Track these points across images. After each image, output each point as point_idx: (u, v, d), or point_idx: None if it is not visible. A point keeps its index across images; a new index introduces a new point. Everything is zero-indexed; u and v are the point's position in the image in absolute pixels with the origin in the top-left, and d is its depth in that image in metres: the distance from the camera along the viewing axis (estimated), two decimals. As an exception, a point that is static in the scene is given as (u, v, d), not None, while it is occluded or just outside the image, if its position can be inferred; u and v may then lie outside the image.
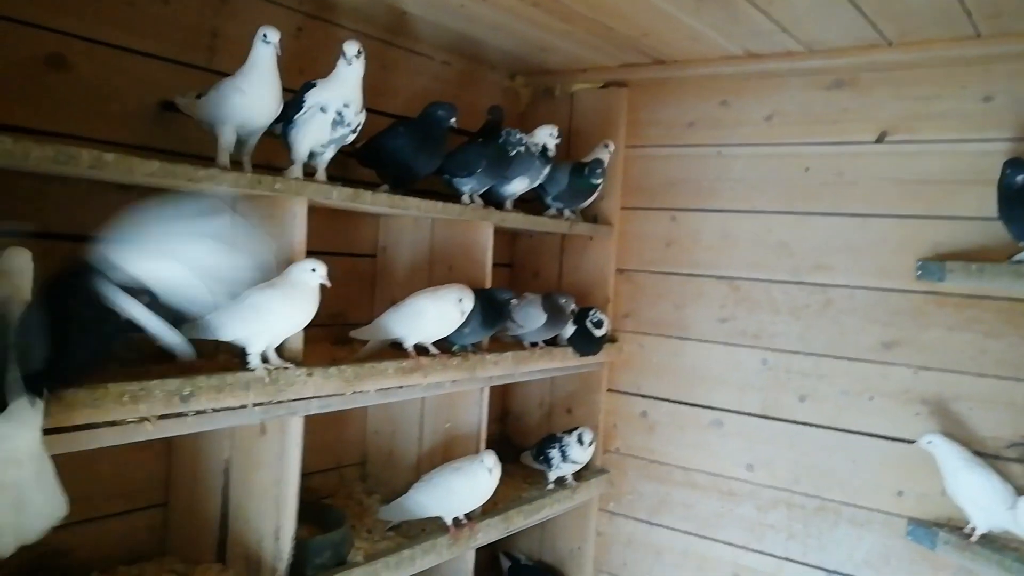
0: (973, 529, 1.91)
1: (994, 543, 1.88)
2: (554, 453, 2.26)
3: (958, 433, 2.01)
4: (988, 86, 2.01)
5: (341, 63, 1.65)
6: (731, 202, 2.37)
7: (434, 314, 1.81)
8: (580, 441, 2.23)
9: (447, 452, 2.08)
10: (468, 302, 1.81)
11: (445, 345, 1.94)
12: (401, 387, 1.81)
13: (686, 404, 2.44)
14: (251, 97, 1.51)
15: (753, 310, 2.33)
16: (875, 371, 2.15)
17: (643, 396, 2.52)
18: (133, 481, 1.72)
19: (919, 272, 2.03)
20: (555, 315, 2.16)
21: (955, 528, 1.96)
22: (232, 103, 1.51)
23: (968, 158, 2.03)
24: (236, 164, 1.57)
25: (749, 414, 2.33)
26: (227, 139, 1.54)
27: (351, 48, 1.63)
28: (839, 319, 2.21)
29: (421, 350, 1.86)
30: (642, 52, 2.31)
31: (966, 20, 1.84)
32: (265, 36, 1.51)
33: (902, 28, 1.94)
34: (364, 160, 1.95)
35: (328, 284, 1.53)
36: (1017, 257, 1.86)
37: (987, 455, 1.99)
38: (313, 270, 1.51)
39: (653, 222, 2.50)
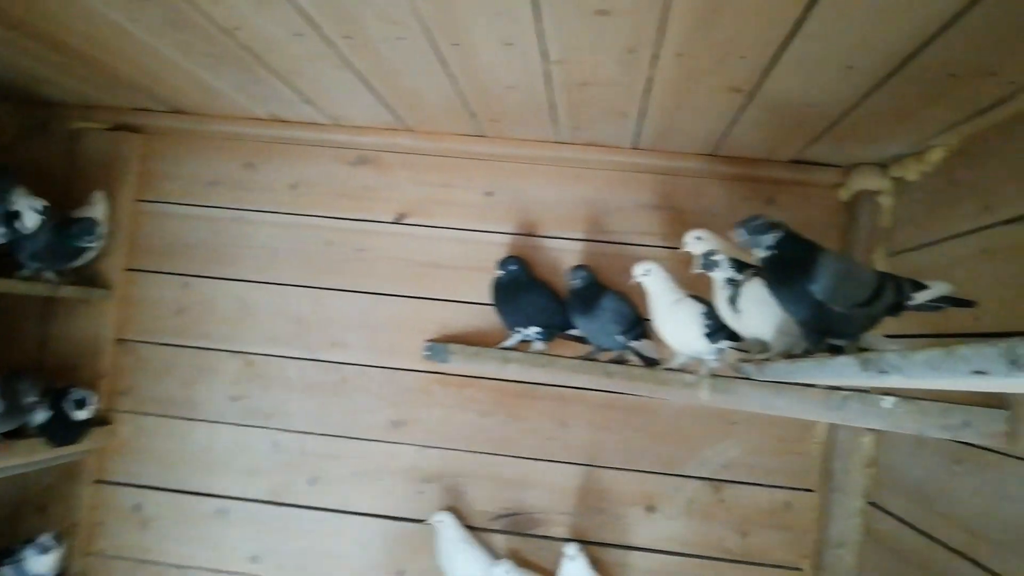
0: (457, 606, 2.08)
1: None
2: (8, 571, 1.93)
3: (457, 508, 2.20)
4: (490, 181, 2.28)
5: None
6: (250, 271, 2.32)
7: None
8: (41, 551, 1.94)
9: None
10: None
11: None
12: None
13: (188, 493, 2.29)
14: None
15: (267, 388, 2.30)
16: (384, 450, 2.26)
17: (139, 486, 2.30)
18: None
19: (427, 353, 2.18)
20: (14, 401, 1.87)
21: (441, 609, 2.13)
22: None
23: (473, 246, 2.26)
24: None
25: (256, 500, 2.27)
26: None
27: None
28: (353, 398, 2.28)
29: None
30: (157, 99, 2.17)
31: (472, 120, 2.07)
32: None
33: (419, 117, 2.11)
34: None
35: None
36: (504, 343, 2.12)
37: (478, 528, 2.21)
38: None
39: (163, 287, 2.33)
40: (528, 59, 1.57)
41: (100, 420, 2.23)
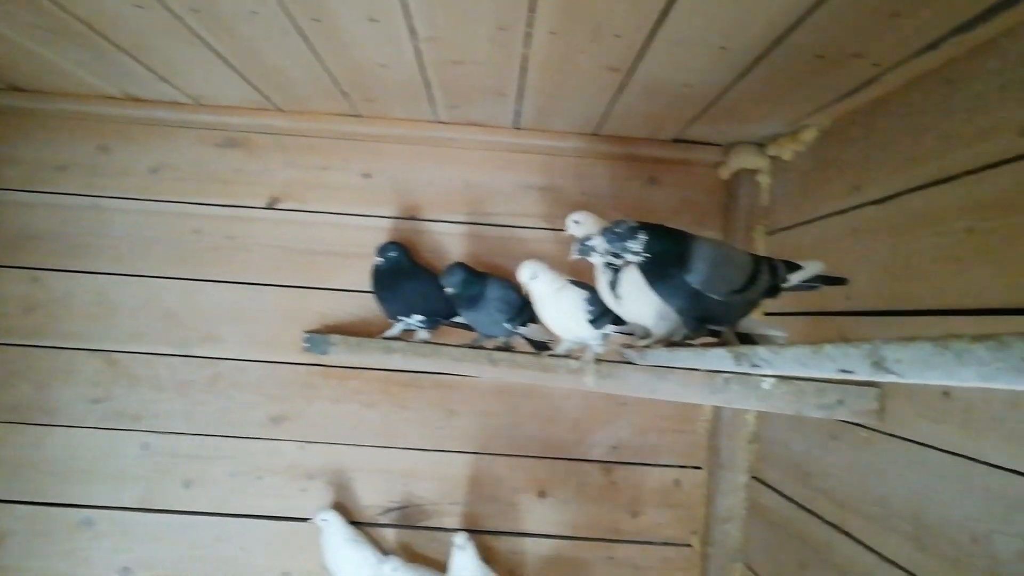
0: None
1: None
2: None
3: (344, 504, 2.12)
4: (368, 163, 2.18)
5: None
6: (110, 263, 2.14)
7: None
8: None
9: None
10: None
11: None
12: None
13: (48, 504, 2.11)
14: None
15: (134, 387, 2.14)
16: (264, 448, 2.15)
17: (-10, 501, 2.12)
18: None
19: (306, 344, 2.08)
20: None
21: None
22: None
23: (352, 231, 2.16)
24: None
25: (127, 508, 2.12)
26: None
27: None
28: (229, 394, 2.15)
29: None
30: (-11, 74, 1.96)
31: (345, 100, 1.95)
32: None
33: (288, 97, 1.98)
34: None
35: None
36: (388, 332, 2.03)
37: (366, 523, 2.13)
38: None
39: (9, 283, 2.12)
40: (397, 36, 1.47)
41: (-59, 432, 2.02)
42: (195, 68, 1.78)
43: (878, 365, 0.68)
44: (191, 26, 1.50)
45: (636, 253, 1.30)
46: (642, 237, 1.29)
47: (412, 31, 1.44)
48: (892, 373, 0.67)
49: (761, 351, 0.93)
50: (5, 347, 2.12)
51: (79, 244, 2.14)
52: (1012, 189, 1.10)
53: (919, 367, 0.63)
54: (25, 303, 2.12)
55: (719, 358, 1.07)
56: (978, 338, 0.54)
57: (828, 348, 0.76)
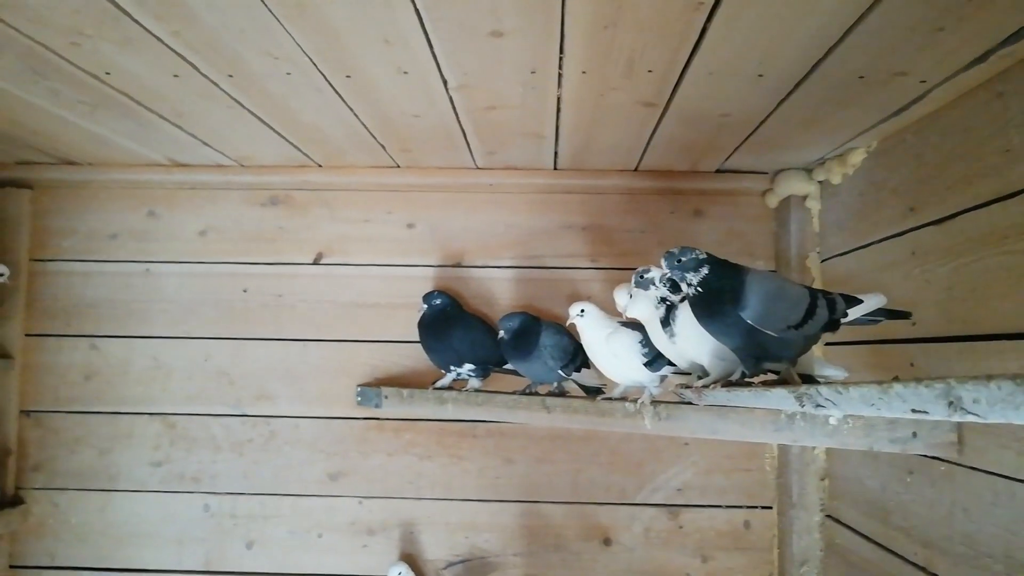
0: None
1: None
2: None
3: (406, 558, 2.09)
4: (410, 214, 2.18)
5: None
6: (163, 327, 2.18)
7: None
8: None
9: None
10: None
11: None
12: None
13: (114, 570, 2.12)
14: None
15: (192, 449, 2.15)
16: (323, 505, 2.14)
17: (59, 568, 2.12)
18: None
19: (359, 398, 2.07)
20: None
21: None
22: None
23: (398, 282, 2.16)
24: None
25: (191, 572, 2.12)
26: None
27: None
28: (284, 452, 2.15)
29: None
30: (41, 151, 2.03)
31: (383, 152, 1.97)
32: None
33: (327, 152, 2.00)
34: None
35: None
36: (439, 382, 2.01)
37: (427, 577, 2.10)
38: None
39: (69, 351, 2.17)
40: (428, 86, 1.47)
41: (12, 500, 2.06)
42: (235, 131, 1.81)
43: (954, 406, 0.63)
44: (227, 91, 1.52)
45: (691, 285, 1.25)
46: (704, 271, 1.25)
47: (444, 80, 1.44)
48: (971, 414, 0.62)
49: (825, 391, 0.88)
50: (67, 415, 2.16)
51: (133, 310, 2.18)
52: (1084, 201, 1.03)
53: (1001, 407, 0.57)
54: (85, 370, 2.17)
55: (781, 398, 1.02)
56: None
57: (898, 387, 0.71)
